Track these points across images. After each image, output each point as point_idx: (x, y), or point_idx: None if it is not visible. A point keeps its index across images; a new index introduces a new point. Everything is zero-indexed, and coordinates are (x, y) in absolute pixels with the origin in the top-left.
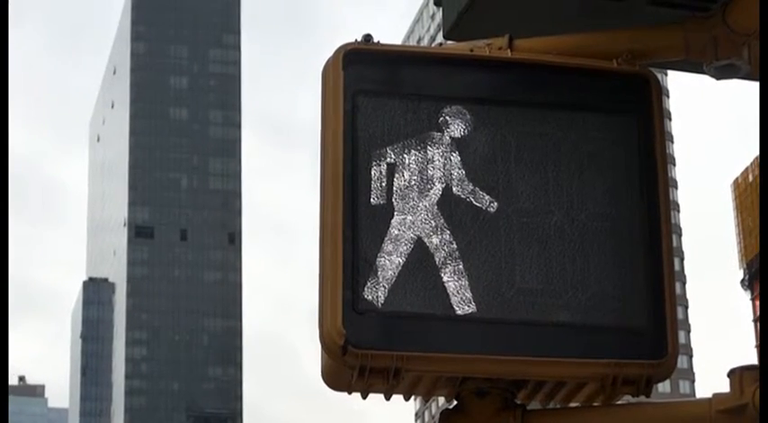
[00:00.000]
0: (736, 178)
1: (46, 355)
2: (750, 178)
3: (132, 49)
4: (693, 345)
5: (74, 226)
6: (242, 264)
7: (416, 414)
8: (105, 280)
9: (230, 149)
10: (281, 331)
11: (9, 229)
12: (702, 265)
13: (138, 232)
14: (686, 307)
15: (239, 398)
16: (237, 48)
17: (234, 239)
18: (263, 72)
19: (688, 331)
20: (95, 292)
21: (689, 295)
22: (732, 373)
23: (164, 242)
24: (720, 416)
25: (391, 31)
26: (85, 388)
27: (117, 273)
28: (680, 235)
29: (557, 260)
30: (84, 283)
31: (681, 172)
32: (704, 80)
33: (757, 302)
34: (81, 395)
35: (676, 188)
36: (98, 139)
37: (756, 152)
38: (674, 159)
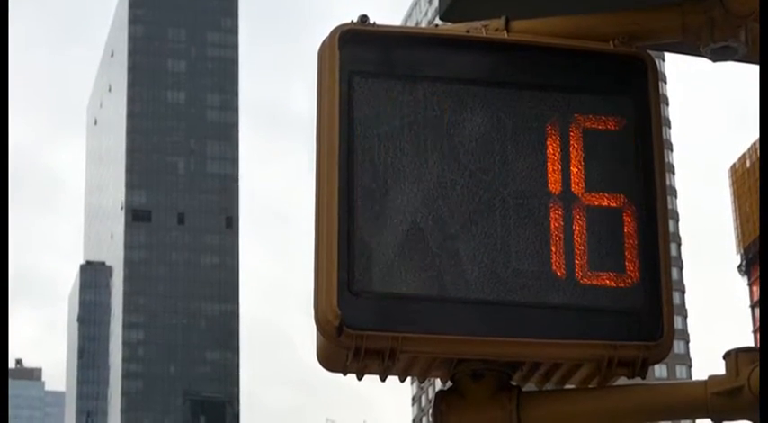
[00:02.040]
0: (734, 164)
1: (43, 339)
2: (747, 164)
3: (130, 33)
4: (690, 330)
5: (71, 210)
6: (239, 248)
7: (413, 398)
8: (102, 263)
9: (228, 133)
10: (278, 315)
11: (8, 218)
12: (699, 251)
13: (136, 216)
14: (683, 292)
15: (236, 382)
16: (235, 31)
17: (231, 223)
18: (258, 58)
19: (685, 316)
20: (93, 275)
21: (686, 281)
22: (728, 355)
23: (161, 226)
24: (716, 398)
25: (389, 17)
26: (82, 371)
27: (114, 256)
28: (677, 220)
29: (553, 241)
30: (82, 266)
31: (678, 158)
32: (703, 67)
33: (754, 288)
34: (78, 378)
35: (673, 174)
36: (95, 123)
37: (753, 139)
38: (671, 145)
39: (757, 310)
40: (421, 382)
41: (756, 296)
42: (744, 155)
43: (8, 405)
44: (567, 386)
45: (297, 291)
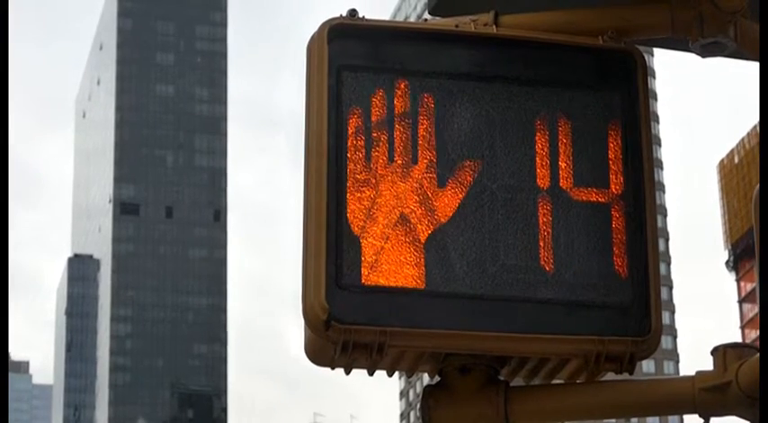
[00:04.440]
0: (722, 160)
1: (30, 332)
2: (735, 160)
3: (119, 26)
4: (678, 325)
5: (58, 204)
6: (227, 241)
7: (401, 393)
8: (90, 256)
9: (216, 127)
10: (266, 309)
11: (8, 213)
12: (687, 247)
13: (124, 209)
14: (671, 288)
15: (224, 375)
16: (224, 25)
17: (219, 216)
18: (247, 52)
19: (673, 312)
20: (80, 268)
21: (674, 276)
22: (716, 351)
23: (149, 219)
24: (704, 393)
25: (379, 12)
26: (70, 364)
27: (102, 249)
28: (665, 216)
29: (541, 236)
30: (70, 259)
31: (667, 153)
32: (691, 63)
33: (742, 283)
34: (65, 371)
35: (662, 169)
36: (84, 116)
37: (741, 134)
38: (659, 140)
39: (745, 306)
40: (409, 377)
41: (744, 292)
42: (732, 151)
43: (8, 402)
44: (555, 381)
45: (285, 284)
